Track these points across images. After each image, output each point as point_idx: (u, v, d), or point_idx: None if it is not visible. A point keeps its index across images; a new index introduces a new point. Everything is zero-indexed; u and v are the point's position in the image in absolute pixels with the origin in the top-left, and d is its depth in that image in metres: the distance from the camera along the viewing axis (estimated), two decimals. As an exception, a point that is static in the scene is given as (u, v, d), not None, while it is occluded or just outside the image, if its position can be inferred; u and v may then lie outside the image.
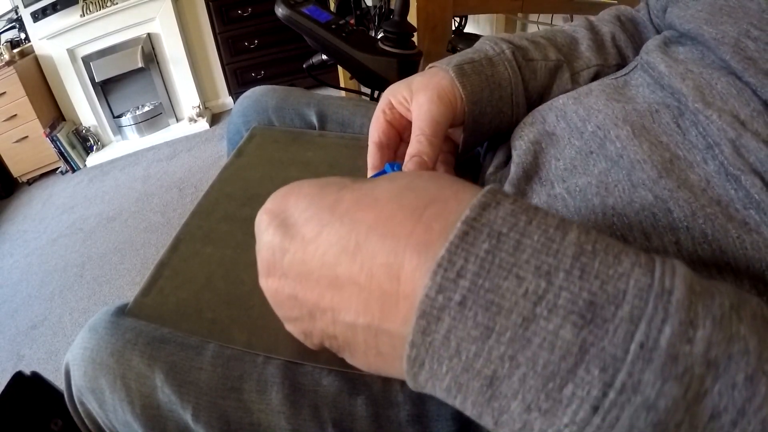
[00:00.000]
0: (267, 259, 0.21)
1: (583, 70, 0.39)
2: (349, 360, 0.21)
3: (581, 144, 0.30)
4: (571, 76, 0.38)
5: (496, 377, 0.14)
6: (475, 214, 0.15)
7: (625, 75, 0.34)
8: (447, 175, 0.20)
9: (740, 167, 0.23)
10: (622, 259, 0.14)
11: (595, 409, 0.13)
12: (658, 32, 0.42)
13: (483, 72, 0.36)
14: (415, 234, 0.16)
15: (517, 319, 0.14)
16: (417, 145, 0.33)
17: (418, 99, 0.34)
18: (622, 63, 0.40)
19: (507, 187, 0.32)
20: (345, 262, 0.17)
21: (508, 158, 0.36)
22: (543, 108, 0.35)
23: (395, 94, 0.36)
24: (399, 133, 0.37)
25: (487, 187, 0.16)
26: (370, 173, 0.37)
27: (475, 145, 0.39)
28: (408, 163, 0.33)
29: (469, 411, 0.15)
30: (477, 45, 0.39)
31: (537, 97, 0.38)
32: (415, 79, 0.36)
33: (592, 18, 0.44)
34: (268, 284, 0.21)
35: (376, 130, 0.37)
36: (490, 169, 0.38)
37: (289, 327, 0.23)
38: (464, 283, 0.14)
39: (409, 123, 0.36)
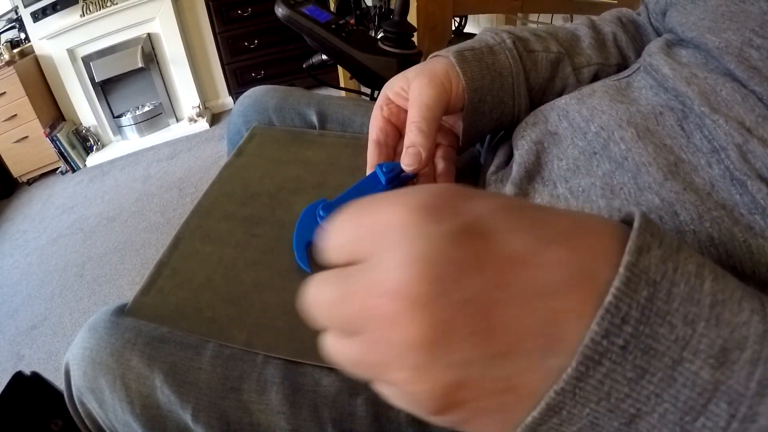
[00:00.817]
0: (440, 275, 0.14)
1: (584, 67, 0.39)
2: (497, 424, 0.17)
3: (585, 144, 0.30)
4: (573, 71, 0.38)
5: (638, 415, 0.16)
6: (634, 260, 0.15)
7: (627, 77, 0.34)
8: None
9: (747, 172, 0.23)
10: (744, 306, 0.16)
11: None
12: (658, 34, 0.42)
13: (483, 60, 0.35)
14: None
15: (668, 361, 0.15)
16: (409, 134, 0.33)
17: (412, 86, 0.34)
18: (622, 63, 0.40)
19: (509, 187, 0.32)
20: (576, 294, 0.15)
21: (509, 158, 0.36)
22: (545, 108, 0.35)
23: (392, 87, 0.36)
24: (398, 128, 0.37)
25: (637, 225, 0.16)
26: (368, 171, 0.37)
27: (476, 136, 0.38)
28: (404, 156, 0.33)
29: None
30: (478, 36, 0.39)
31: (539, 89, 0.38)
32: (412, 69, 0.36)
33: (594, 18, 0.44)
34: (427, 313, 0.14)
35: (374, 128, 0.36)
36: (491, 169, 0.37)
37: (414, 377, 0.15)
38: (628, 328, 0.15)
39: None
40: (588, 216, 0.18)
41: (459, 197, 0.16)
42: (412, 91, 0.34)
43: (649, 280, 0.15)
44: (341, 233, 0.17)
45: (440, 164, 0.36)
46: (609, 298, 0.15)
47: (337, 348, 0.18)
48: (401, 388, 0.16)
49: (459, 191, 0.17)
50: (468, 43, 0.37)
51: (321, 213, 0.33)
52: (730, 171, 0.24)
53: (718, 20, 0.28)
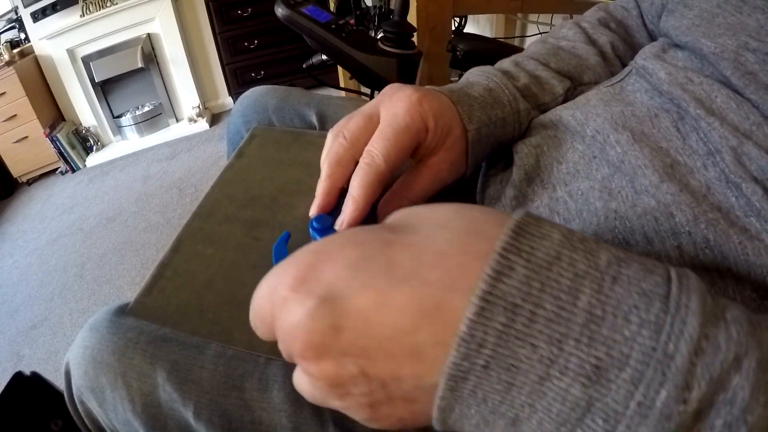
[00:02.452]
0: (316, 342, 0.17)
1: (585, 89, 0.39)
2: (413, 416, 0.19)
3: (584, 148, 0.30)
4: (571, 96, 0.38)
5: (518, 419, 0.16)
6: (489, 288, 0.15)
7: (620, 81, 0.34)
8: (484, 208, 0.19)
9: (741, 175, 0.23)
10: (631, 320, 0.15)
11: None
12: (652, 37, 0.42)
13: (494, 134, 0.34)
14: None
15: (534, 377, 0.15)
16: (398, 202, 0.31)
17: (431, 162, 0.32)
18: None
19: (509, 190, 0.32)
20: (426, 327, 0.16)
21: (510, 160, 0.37)
22: (541, 114, 0.35)
23: (437, 122, 0.31)
24: None
25: (499, 245, 0.16)
26: (323, 205, 0.31)
27: None
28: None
29: None
30: (494, 87, 0.35)
31: None
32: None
33: (584, 26, 0.43)
34: (321, 368, 0.18)
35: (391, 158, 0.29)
36: (491, 171, 0.38)
37: (347, 403, 0.19)
38: (486, 351, 0.16)
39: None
40: (448, 240, 0.18)
41: (315, 268, 0.18)
42: (430, 170, 0.32)
43: (507, 304, 0.15)
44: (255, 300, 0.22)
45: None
46: (462, 327, 0.15)
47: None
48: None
49: (316, 261, 0.18)
50: (486, 102, 0.34)
51: (314, 224, 0.33)
52: (725, 174, 0.24)
53: (714, 28, 0.28)
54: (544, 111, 0.37)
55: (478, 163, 0.35)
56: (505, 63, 0.39)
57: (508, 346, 0.15)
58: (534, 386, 0.15)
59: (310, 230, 0.34)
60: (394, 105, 0.30)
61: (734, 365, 0.14)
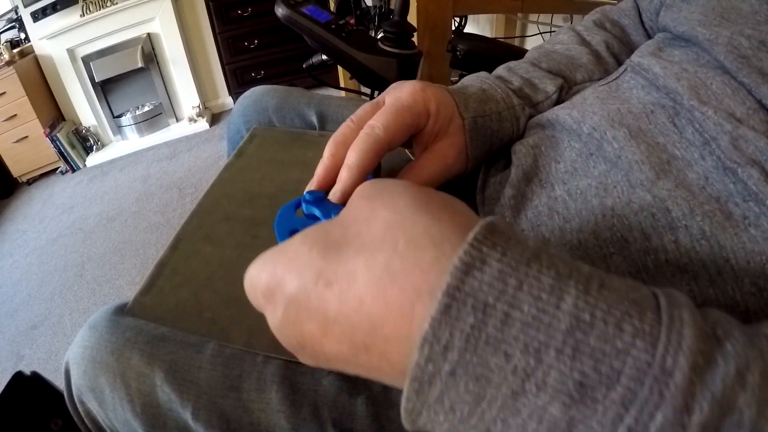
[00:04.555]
0: (292, 347, 0.21)
1: (583, 85, 0.39)
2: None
3: (581, 146, 0.30)
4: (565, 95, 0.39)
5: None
6: (457, 282, 0.14)
7: (615, 79, 0.34)
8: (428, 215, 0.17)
9: (736, 160, 0.23)
10: (624, 328, 0.13)
11: None
12: (650, 35, 0.43)
13: (491, 127, 0.35)
14: (414, 324, 0.15)
15: (507, 391, 0.14)
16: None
17: (436, 147, 0.32)
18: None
19: (507, 190, 0.32)
20: (363, 356, 0.17)
21: (508, 160, 0.37)
22: (539, 115, 0.35)
23: (429, 102, 0.32)
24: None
25: (471, 236, 0.15)
26: (321, 183, 0.31)
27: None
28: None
29: None
30: (487, 88, 0.36)
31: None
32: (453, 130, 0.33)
33: (579, 29, 0.44)
34: (303, 360, 0.21)
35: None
36: (491, 171, 0.38)
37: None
38: (452, 356, 0.14)
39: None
40: (367, 283, 0.16)
41: (273, 287, 0.20)
42: (428, 156, 0.33)
43: (477, 303, 0.14)
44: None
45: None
46: (425, 326, 0.14)
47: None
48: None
49: (272, 279, 0.20)
50: (480, 98, 0.35)
51: (307, 197, 0.32)
52: (721, 160, 0.24)
53: (709, 15, 0.28)
54: (540, 111, 0.37)
55: (480, 159, 0.35)
56: (500, 69, 0.40)
57: (477, 352, 0.14)
58: (506, 401, 0.14)
59: (304, 204, 0.33)
60: (399, 91, 0.31)
61: (738, 380, 0.13)
